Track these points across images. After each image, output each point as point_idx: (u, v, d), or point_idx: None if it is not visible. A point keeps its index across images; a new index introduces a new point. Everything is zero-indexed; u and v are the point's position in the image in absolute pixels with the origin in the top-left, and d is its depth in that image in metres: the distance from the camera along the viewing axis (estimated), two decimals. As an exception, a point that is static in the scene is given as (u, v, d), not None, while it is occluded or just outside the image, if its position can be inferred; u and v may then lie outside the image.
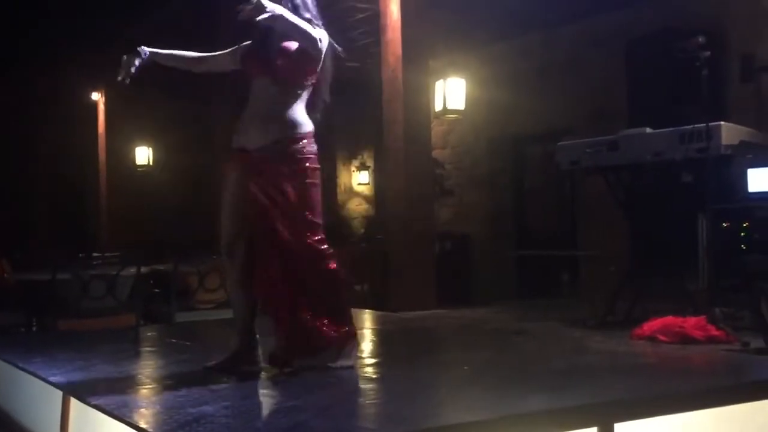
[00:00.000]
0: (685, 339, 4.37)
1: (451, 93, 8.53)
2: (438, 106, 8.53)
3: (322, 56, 3.89)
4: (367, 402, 3.38)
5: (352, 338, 3.91)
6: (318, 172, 3.87)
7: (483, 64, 9.31)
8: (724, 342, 4.29)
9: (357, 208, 12.92)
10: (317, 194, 3.86)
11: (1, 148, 13.38)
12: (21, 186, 14.04)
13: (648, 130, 5.10)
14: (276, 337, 3.83)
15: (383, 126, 6.90)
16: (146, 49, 4.06)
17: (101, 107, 13.00)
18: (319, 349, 3.81)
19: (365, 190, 12.75)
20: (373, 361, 4.48)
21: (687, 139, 4.76)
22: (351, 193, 13.00)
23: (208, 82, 10.28)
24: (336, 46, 4.01)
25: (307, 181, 3.81)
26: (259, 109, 3.86)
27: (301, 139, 3.82)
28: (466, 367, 3.97)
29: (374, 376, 3.87)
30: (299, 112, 3.85)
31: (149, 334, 5.80)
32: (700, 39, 4.87)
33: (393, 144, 6.80)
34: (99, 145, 13.13)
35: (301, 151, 3.80)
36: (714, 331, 4.37)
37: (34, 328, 6.84)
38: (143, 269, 6.64)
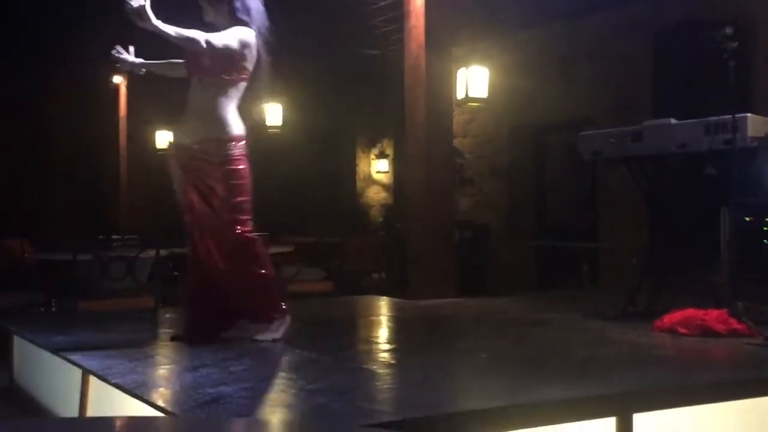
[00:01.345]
0: (707, 332, 4.33)
1: (474, 81, 8.48)
2: (460, 95, 8.48)
3: (247, 53, 4.09)
4: (385, 387, 3.38)
5: (279, 314, 4.17)
6: (245, 172, 4.11)
7: (506, 52, 9.25)
8: (746, 335, 4.24)
9: (375, 196, 12.92)
10: (244, 192, 4.12)
11: (22, 132, 13.47)
12: (42, 168, 14.13)
13: (673, 120, 5.04)
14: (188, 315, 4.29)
15: (405, 114, 6.87)
16: (137, 62, 4.34)
17: (122, 90, 13.04)
18: (245, 322, 4.21)
19: (384, 178, 12.74)
20: (390, 347, 4.49)
21: (712, 130, 4.70)
22: (370, 181, 13.00)
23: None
24: (265, 38, 4.20)
25: (232, 182, 4.07)
26: (191, 107, 4.15)
27: (228, 140, 4.07)
28: (484, 355, 3.96)
29: (392, 362, 3.87)
30: (227, 110, 4.08)
31: (167, 316, 5.81)
32: (728, 30, 4.80)
33: (414, 132, 6.77)
34: (120, 129, 13.18)
35: (227, 152, 4.05)
36: (736, 325, 4.32)
37: (53, 308, 6.90)
38: (162, 252, 6.65)
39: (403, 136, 7.12)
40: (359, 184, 13.06)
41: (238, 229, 4.09)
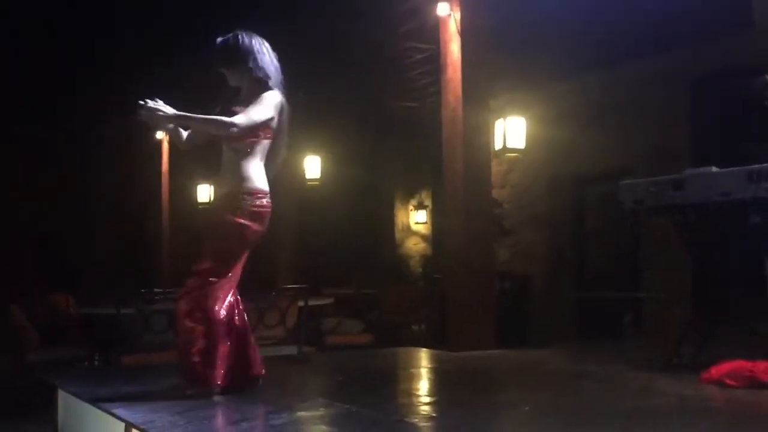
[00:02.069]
0: (755, 383, 4.23)
1: (511, 132, 8.52)
2: (498, 145, 8.52)
3: (275, 113, 4.25)
4: (427, 441, 3.35)
5: (212, 374, 4.13)
6: (245, 228, 4.18)
7: (543, 103, 9.29)
8: (795, 387, 4.15)
9: (414, 247, 12.92)
10: (239, 246, 4.26)
11: (68, 186, 13.76)
12: (86, 222, 14.38)
13: (714, 168, 5.00)
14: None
15: (443, 164, 6.91)
16: (171, 112, 4.28)
17: (165, 146, 13.29)
18: (189, 379, 4.18)
19: (422, 229, 12.75)
20: (431, 399, 4.45)
21: (756, 178, 4.64)
22: (408, 231, 13.01)
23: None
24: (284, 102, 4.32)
25: (235, 231, 4.18)
26: (222, 163, 4.33)
27: (247, 193, 4.19)
28: (526, 408, 3.91)
29: (433, 415, 3.83)
30: (250, 166, 4.22)
31: (209, 369, 5.83)
32: (767, 77, 4.79)
33: (452, 182, 6.79)
34: (162, 183, 13.40)
35: (240, 204, 4.17)
36: (785, 376, 4.23)
37: (96, 362, 6.96)
38: (204, 305, 6.70)
39: (441, 187, 7.15)
40: (398, 235, 13.08)
41: (199, 274, 4.21)
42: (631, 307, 8.42)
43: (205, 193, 12.60)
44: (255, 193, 4.22)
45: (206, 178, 12.48)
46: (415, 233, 12.86)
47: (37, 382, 5.44)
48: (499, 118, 8.51)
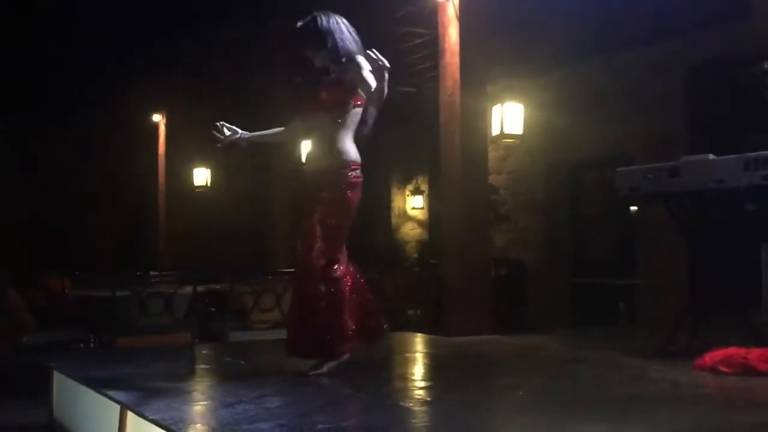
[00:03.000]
0: (749, 370, 4.25)
1: (509, 118, 8.49)
2: (495, 131, 8.51)
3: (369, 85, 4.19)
4: (422, 424, 3.36)
5: (327, 353, 4.25)
6: (351, 198, 4.33)
7: (541, 89, 9.27)
8: (788, 374, 4.16)
9: (410, 232, 12.92)
10: (343, 217, 4.35)
11: (64, 169, 13.74)
12: (82, 205, 14.37)
13: (711, 156, 5.00)
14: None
15: (440, 150, 6.90)
16: (245, 135, 4.72)
17: (161, 129, 13.27)
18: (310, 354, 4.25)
19: (419, 214, 12.74)
20: (426, 384, 4.46)
21: (752, 166, 4.65)
22: (405, 217, 13.01)
23: (266, 105, 10.45)
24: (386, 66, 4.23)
25: (338, 209, 4.30)
26: (314, 141, 4.49)
27: (343, 167, 4.29)
28: (521, 393, 3.92)
29: (428, 399, 3.84)
30: (345, 141, 4.32)
31: (204, 352, 5.85)
32: (766, 65, 4.79)
33: (449, 168, 6.79)
34: (159, 166, 13.38)
35: (340, 179, 4.28)
36: (778, 363, 4.25)
37: (92, 344, 6.97)
38: (200, 288, 6.71)
39: (438, 173, 7.15)
40: (394, 220, 13.07)
41: (311, 255, 4.24)
42: (626, 293, 8.43)
43: (201, 176, 12.58)
44: (352, 166, 4.32)
45: (202, 161, 12.45)
46: (412, 218, 12.86)
47: (32, 365, 5.45)
48: (496, 103, 8.50)
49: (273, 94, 10.56)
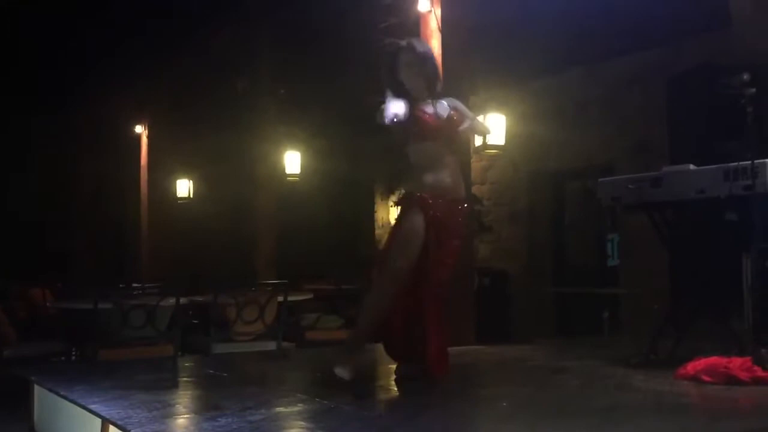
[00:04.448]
0: (730, 380, 4.27)
1: (491, 128, 8.51)
2: (478, 142, 8.52)
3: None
4: (405, 436, 3.35)
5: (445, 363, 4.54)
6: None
7: (523, 99, 9.31)
8: (770, 383, 4.19)
9: (394, 242, 12.90)
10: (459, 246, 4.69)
11: (45, 179, 13.65)
12: (64, 216, 14.28)
13: (691, 166, 5.04)
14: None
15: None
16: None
17: (144, 140, 13.20)
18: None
19: (403, 225, 12.73)
20: (409, 395, 4.45)
21: (732, 176, 4.69)
22: (388, 227, 13.00)
23: (250, 115, 10.44)
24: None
25: (457, 241, 4.64)
26: (443, 166, 4.71)
27: (465, 199, 4.72)
28: (504, 403, 3.92)
29: (411, 411, 3.84)
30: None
31: (187, 364, 5.82)
32: (745, 76, 4.83)
33: (432, 179, 6.79)
34: (141, 177, 13.31)
35: (463, 211, 4.68)
36: (760, 373, 4.26)
37: (74, 357, 6.91)
38: (182, 300, 6.66)
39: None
40: (378, 231, 13.07)
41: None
42: (609, 303, 8.47)
43: (184, 187, 12.53)
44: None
45: (185, 173, 12.41)
46: (395, 229, 12.86)
47: (13, 378, 5.40)
48: (479, 114, 8.52)
49: (255, 105, 10.57)
